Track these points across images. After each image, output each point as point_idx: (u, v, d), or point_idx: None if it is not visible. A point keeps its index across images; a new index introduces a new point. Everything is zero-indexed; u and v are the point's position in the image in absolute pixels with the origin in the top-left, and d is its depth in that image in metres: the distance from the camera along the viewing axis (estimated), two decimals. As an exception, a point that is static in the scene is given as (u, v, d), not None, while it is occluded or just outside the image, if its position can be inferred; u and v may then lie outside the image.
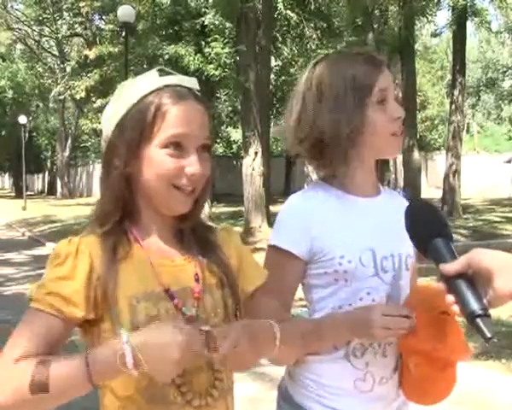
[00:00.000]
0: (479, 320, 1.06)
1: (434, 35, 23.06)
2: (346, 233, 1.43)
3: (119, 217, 1.21)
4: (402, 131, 1.48)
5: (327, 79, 1.46)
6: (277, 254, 1.45)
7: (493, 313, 1.11)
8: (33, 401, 1.06)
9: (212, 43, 17.34)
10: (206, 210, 12.13)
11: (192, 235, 1.29)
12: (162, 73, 1.23)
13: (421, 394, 1.47)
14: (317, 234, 1.42)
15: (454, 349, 1.37)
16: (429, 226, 1.20)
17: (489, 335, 1.04)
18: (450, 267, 1.11)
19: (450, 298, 1.11)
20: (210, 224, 1.35)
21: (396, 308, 1.37)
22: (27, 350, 1.10)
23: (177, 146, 1.18)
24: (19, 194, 37.04)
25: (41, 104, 41.33)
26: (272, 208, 13.80)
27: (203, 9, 18.47)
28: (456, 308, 1.10)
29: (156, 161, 1.17)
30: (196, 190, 1.23)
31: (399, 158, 24.61)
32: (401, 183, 22.50)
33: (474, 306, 1.07)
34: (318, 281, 1.46)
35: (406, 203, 1.60)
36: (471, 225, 15.26)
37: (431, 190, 25.50)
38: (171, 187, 1.19)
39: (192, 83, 1.25)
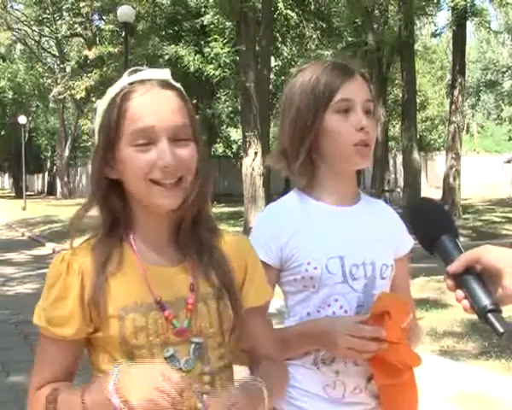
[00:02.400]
0: (490, 315, 1.04)
1: (434, 35, 23.06)
2: (315, 240, 1.43)
3: (112, 223, 1.19)
4: (370, 141, 1.43)
5: (294, 89, 1.47)
6: None
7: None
8: None
9: (212, 44, 17.35)
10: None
11: (190, 235, 1.22)
12: (132, 72, 1.19)
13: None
14: (287, 242, 1.43)
15: (395, 352, 1.33)
16: (435, 224, 1.18)
17: (501, 330, 1.03)
18: (457, 265, 1.10)
19: (459, 293, 1.09)
20: (216, 227, 1.28)
21: (363, 329, 1.32)
22: (46, 377, 1.18)
23: (145, 140, 1.12)
24: (19, 194, 36.99)
25: (41, 104, 41.33)
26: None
27: (203, 9, 18.48)
28: (465, 303, 1.08)
29: (128, 160, 1.14)
30: (182, 183, 1.15)
31: (399, 158, 24.60)
32: (401, 183, 22.50)
33: (486, 301, 1.05)
34: (290, 288, 1.47)
35: (389, 210, 1.60)
36: (471, 225, 15.28)
37: (431, 190, 25.44)
38: (150, 183, 1.13)
39: (161, 74, 1.19)
